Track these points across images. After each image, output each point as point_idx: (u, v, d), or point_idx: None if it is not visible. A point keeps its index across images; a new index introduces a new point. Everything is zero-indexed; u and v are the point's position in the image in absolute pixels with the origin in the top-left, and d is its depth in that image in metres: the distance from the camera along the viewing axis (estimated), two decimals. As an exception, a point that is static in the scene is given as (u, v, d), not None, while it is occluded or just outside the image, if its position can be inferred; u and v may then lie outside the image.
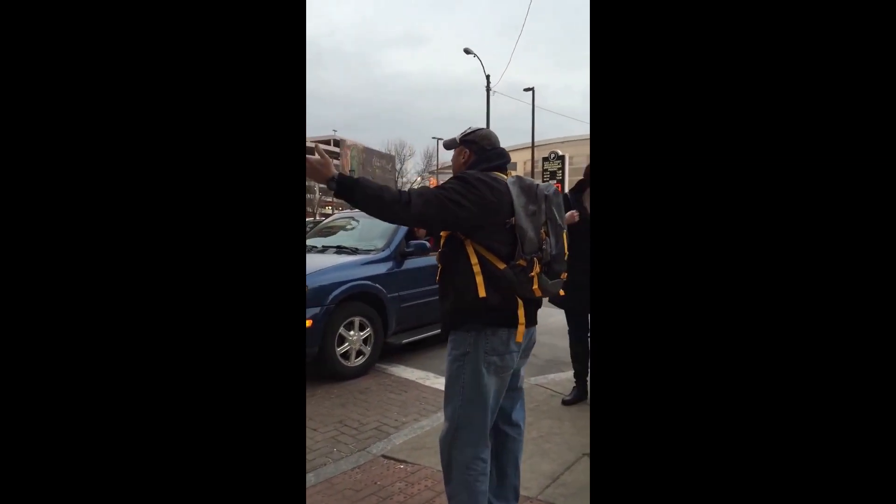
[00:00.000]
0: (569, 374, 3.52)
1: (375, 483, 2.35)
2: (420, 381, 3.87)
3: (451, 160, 1.86)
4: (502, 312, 1.62)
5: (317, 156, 1.54)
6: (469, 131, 1.82)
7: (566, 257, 1.73)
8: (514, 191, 1.63)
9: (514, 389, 1.85)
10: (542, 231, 1.65)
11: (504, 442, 1.86)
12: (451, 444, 1.71)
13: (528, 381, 3.73)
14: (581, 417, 3.03)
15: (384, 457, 2.61)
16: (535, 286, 1.62)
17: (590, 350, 3.13)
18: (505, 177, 1.70)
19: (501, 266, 1.59)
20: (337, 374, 3.87)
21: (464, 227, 1.61)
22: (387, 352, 4.33)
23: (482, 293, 1.58)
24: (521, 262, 1.59)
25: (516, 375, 1.83)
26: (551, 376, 3.85)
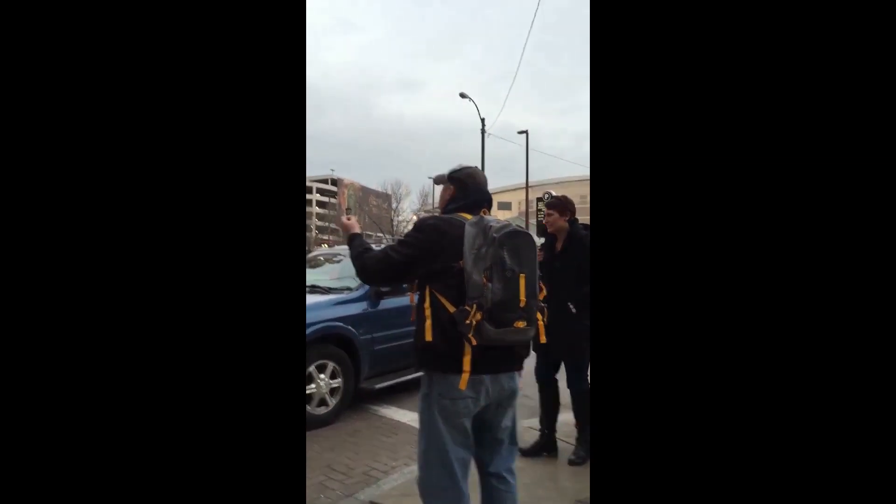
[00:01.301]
0: (564, 417, 3.44)
1: (362, 532, 2.25)
2: (411, 424, 3.77)
3: (440, 195, 1.90)
4: (447, 358, 1.58)
5: (353, 221, 1.92)
6: (457, 168, 1.85)
7: (522, 304, 1.57)
8: (469, 232, 1.59)
9: (494, 441, 1.75)
10: (485, 275, 1.53)
11: (490, 495, 1.77)
12: (421, 488, 1.70)
13: (521, 423, 3.63)
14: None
15: (372, 503, 2.51)
16: (471, 334, 1.50)
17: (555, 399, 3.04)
18: (468, 217, 1.67)
19: (452, 310, 1.56)
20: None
21: (416, 275, 1.68)
22: (361, 397, 4.13)
23: (428, 337, 1.58)
24: (467, 306, 1.52)
25: (494, 427, 1.73)
26: (545, 419, 3.76)
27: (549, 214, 3.02)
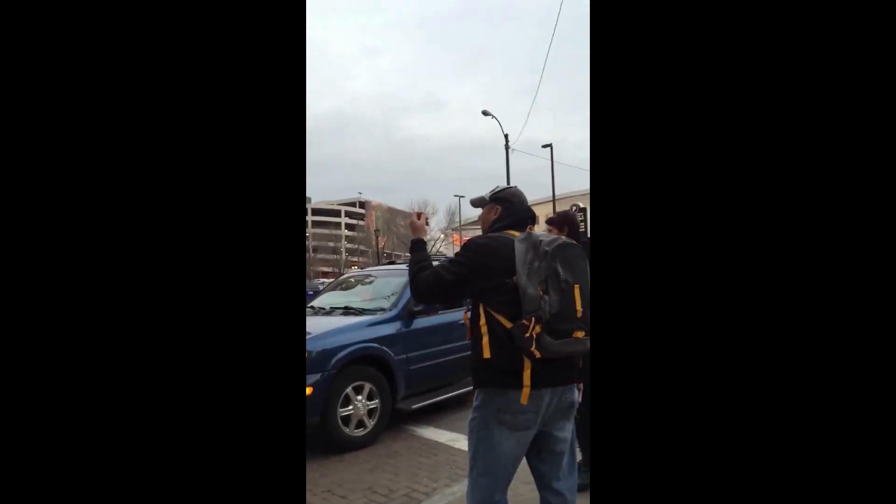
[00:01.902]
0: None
1: (407, 555, 2.24)
2: (450, 444, 3.75)
3: (480, 217, 1.92)
4: (506, 374, 1.59)
5: (422, 220, 1.96)
6: (499, 189, 1.89)
7: (579, 314, 1.60)
8: (519, 248, 1.62)
9: (553, 454, 1.73)
10: (541, 288, 1.56)
11: None
12: (469, 494, 1.71)
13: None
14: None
15: (415, 526, 2.50)
16: (533, 347, 1.53)
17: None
18: (516, 234, 1.71)
19: (508, 325, 1.58)
20: (336, 444, 3.61)
21: (467, 293, 1.71)
22: (398, 418, 4.12)
23: (486, 354, 1.61)
24: (524, 321, 1.53)
25: (552, 438, 1.72)
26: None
27: (549, 231, 3.02)
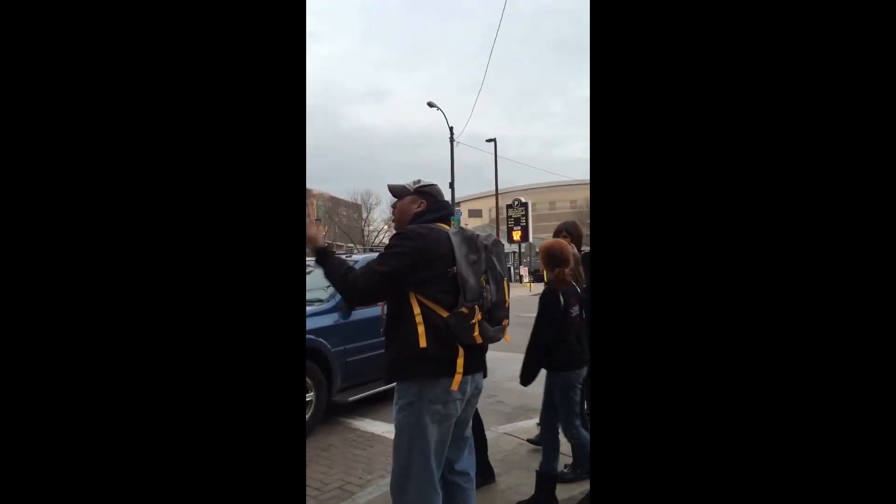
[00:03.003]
0: (525, 424, 3.45)
1: (338, 548, 2.21)
2: (386, 435, 3.73)
3: (398, 207, 1.90)
4: (442, 362, 1.64)
5: (316, 231, 1.78)
6: (422, 183, 1.90)
7: (507, 304, 1.79)
8: (455, 241, 1.69)
9: (459, 438, 1.82)
10: (483, 279, 1.69)
11: (453, 493, 1.81)
12: (400, 495, 1.70)
13: (496, 429, 3.65)
14: (551, 466, 2.96)
15: (347, 518, 2.47)
16: (476, 333, 1.65)
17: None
18: (447, 227, 1.77)
19: (444, 314, 1.64)
20: None
21: (405, 285, 1.68)
22: (333, 410, 4.05)
23: (423, 343, 1.62)
24: (464, 309, 1.64)
25: (461, 424, 1.81)
26: (520, 423, 3.78)
27: None
